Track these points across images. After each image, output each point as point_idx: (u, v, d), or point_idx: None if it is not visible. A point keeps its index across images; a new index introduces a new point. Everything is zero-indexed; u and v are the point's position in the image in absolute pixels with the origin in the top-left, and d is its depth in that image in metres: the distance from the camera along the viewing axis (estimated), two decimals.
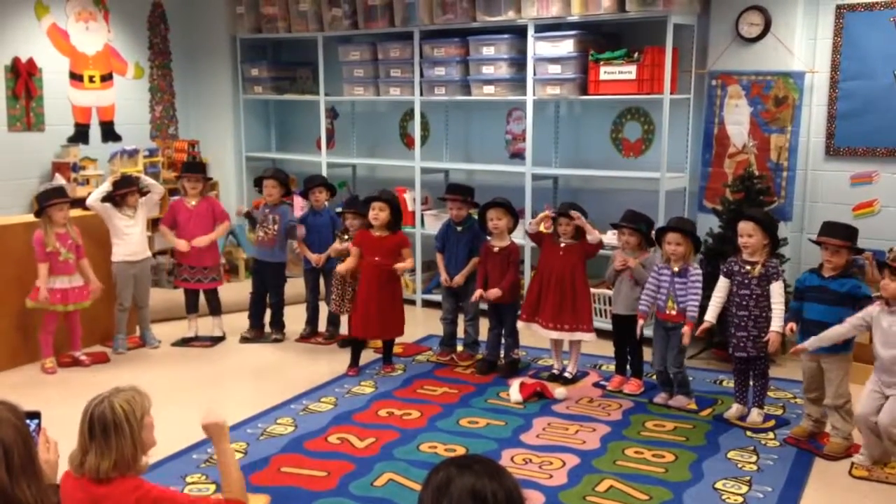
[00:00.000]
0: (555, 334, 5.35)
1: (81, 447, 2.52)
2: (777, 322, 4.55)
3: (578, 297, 5.29)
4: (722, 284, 4.75)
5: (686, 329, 4.81)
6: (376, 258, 5.47)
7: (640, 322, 5.00)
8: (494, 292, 5.42)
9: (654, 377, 5.20)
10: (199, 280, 6.29)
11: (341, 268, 5.71)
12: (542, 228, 5.42)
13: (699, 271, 4.89)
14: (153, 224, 7.05)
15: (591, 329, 5.33)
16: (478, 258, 5.65)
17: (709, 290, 4.86)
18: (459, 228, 5.81)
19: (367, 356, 5.93)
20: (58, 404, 4.75)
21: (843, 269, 4.34)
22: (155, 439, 2.65)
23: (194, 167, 6.51)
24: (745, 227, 4.64)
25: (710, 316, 4.74)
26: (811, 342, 4.25)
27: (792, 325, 4.50)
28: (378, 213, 5.47)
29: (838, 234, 4.34)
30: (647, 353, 5.39)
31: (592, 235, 5.21)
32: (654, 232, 5.14)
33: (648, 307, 4.97)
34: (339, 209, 6.28)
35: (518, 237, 5.99)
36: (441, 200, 6.10)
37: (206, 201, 6.30)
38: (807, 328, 4.39)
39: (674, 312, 4.88)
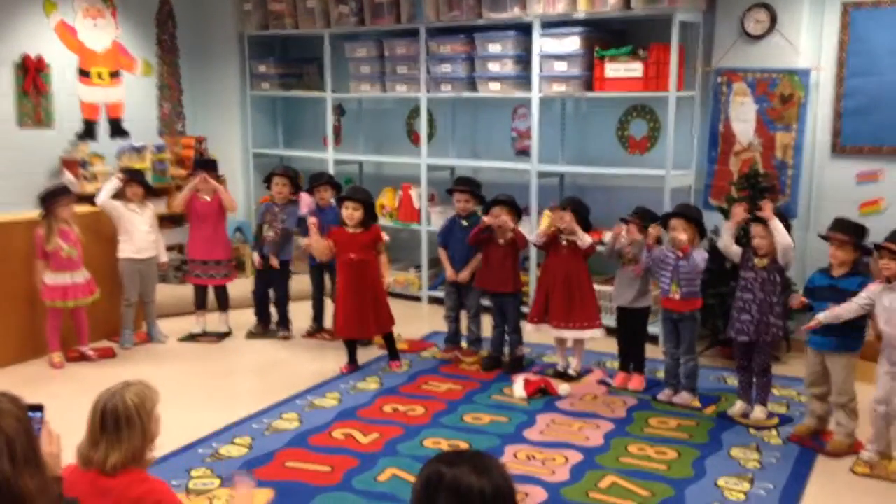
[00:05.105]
0: (566, 333, 5.38)
1: (91, 440, 2.53)
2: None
3: (585, 294, 5.34)
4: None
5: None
6: (351, 255, 5.46)
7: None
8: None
9: (661, 373, 5.22)
10: (210, 276, 6.33)
11: (306, 241, 5.82)
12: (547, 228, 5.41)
13: (704, 256, 4.89)
14: (161, 222, 7.07)
15: (599, 325, 5.38)
16: (480, 254, 5.67)
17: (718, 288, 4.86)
18: (465, 223, 5.81)
19: (371, 353, 5.96)
20: (65, 398, 4.79)
21: (852, 267, 4.34)
22: (160, 430, 2.65)
23: (208, 164, 6.56)
24: (757, 229, 4.65)
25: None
26: (826, 315, 4.22)
27: (802, 298, 4.49)
28: (352, 213, 5.45)
29: (842, 230, 4.34)
30: (649, 350, 5.42)
31: (583, 241, 5.23)
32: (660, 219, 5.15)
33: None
34: (332, 200, 6.25)
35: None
36: (448, 193, 6.11)
37: (218, 196, 6.32)
38: (820, 327, 4.37)
39: (677, 297, 4.89)
